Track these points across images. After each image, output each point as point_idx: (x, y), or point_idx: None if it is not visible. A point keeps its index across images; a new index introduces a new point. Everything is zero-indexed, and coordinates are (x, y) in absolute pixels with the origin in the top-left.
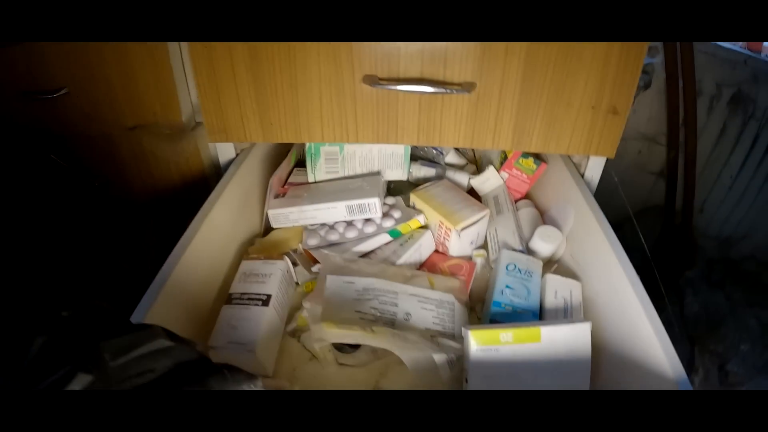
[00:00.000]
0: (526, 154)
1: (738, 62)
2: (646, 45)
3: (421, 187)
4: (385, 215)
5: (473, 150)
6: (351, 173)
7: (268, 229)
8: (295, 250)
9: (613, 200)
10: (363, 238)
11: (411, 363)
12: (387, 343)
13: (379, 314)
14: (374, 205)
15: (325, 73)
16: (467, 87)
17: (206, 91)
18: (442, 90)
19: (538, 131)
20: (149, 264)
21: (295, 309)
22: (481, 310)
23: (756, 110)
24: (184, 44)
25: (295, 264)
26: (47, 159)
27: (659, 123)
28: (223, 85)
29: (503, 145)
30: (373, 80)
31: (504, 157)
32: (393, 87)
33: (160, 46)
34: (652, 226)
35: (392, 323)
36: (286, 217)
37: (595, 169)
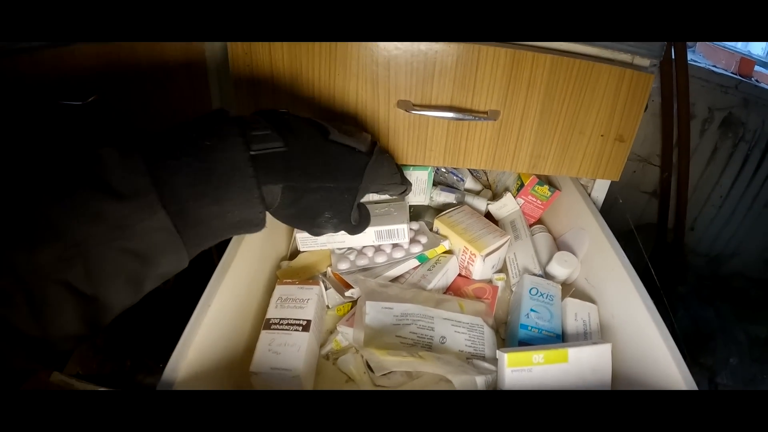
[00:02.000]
0: (541, 182)
1: (730, 87)
2: (652, 78)
3: (444, 213)
4: (412, 241)
5: (487, 175)
6: (376, 197)
7: (293, 252)
8: (324, 274)
9: (608, 217)
10: (391, 263)
11: (460, 384)
12: (436, 367)
13: (417, 338)
14: (403, 231)
15: (362, 96)
16: (493, 115)
17: (245, 107)
18: (471, 117)
19: (552, 156)
20: None
21: (327, 331)
22: (504, 331)
23: (746, 133)
24: (223, 59)
25: (326, 288)
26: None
27: (653, 144)
28: (262, 103)
29: (520, 168)
30: (407, 105)
31: (521, 184)
32: (426, 113)
33: (199, 57)
34: (644, 244)
35: (429, 347)
36: (315, 240)
37: (600, 190)
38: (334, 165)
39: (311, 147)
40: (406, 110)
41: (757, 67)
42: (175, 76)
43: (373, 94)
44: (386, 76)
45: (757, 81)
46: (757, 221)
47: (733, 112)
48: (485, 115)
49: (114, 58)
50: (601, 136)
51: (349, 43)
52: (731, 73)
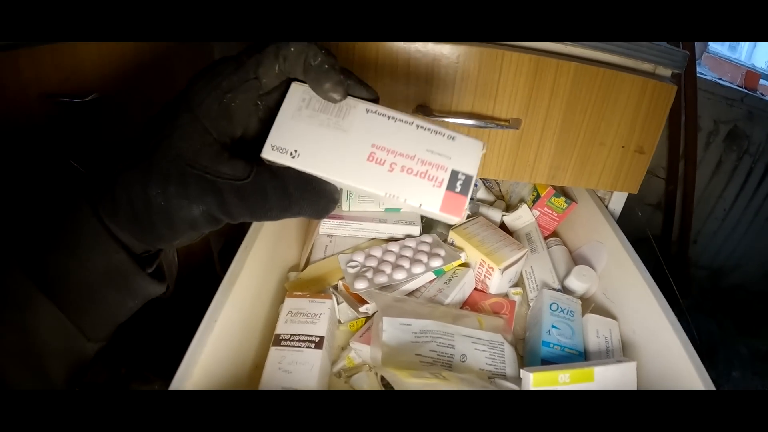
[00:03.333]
0: (557, 193)
1: (735, 100)
2: (675, 90)
3: (459, 224)
4: (431, 254)
5: (499, 185)
6: (387, 204)
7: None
8: (335, 287)
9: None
10: (410, 278)
11: None
12: (459, 389)
13: (437, 356)
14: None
15: (380, 100)
16: (515, 123)
17: None
18: (493, 125)
19: (572, 167)
20: None
21: (339, 348)
22: (522, 348)
23: (750, 146)
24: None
25: (338, 302)
26: (66, 164)
27: (658, 157)
28: None
29: (539, 179)
30: (426, 111)
31: (536, 196)
32: (446, 119)
33: (205, 55)
34: (648, 256)
35: (449, 365)
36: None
37: (617, 202)
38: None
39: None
40: (425, 116)
41: (762, 81)
42: (181, 73)
43: (392, 99)
44: (406, 80)
45: (762, 94)
46: (759, 235)
47: (738, 125)
48: (507, 124)
49: (116, 56)
50: (622, 147)
51: (367, 45)
52: (737, 86)
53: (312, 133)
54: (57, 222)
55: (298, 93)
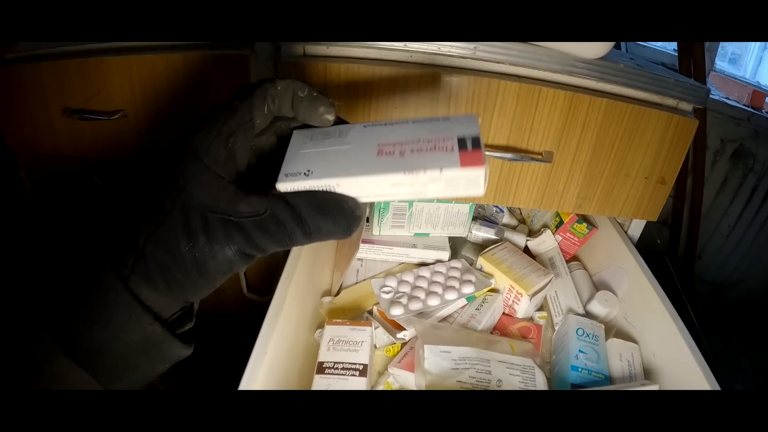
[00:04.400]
0: (580, 220)
1: (742, 119)
2: (696, 124)
3: (487, 250)
4: (462, 281)
5: (521, 210)
6: (416, 229)
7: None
8: (370, 312)
9: None
10: (444, 305)
11: None
12: None
13: (476, 382)
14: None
15: None
16: (548, 156)
17: None
18: (530, 159)
19: (597, 197)
20: None
21: (377, 373)
22: (547, 370)
23: (755, 164)
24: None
25: (374, 327)
26: (89, 181)
27: None
28: None
29: (566, 208)
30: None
31: (559, 221)
32: (486, 153)
33: (242, 70)
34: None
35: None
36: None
37: (636, 229)
38: None
39: None
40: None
41: None
42: (213, 88)
43: None
44: (446, 113)
45: (767, 113)
46: (763, 250)
47: (744, 144)
48: (540, 157)
49: (147, 71)
50: (645, 178)
51: (410, 75)
52: (743, 105)
53: (320, 153)
54: (86, 294)
55: (299, 136)
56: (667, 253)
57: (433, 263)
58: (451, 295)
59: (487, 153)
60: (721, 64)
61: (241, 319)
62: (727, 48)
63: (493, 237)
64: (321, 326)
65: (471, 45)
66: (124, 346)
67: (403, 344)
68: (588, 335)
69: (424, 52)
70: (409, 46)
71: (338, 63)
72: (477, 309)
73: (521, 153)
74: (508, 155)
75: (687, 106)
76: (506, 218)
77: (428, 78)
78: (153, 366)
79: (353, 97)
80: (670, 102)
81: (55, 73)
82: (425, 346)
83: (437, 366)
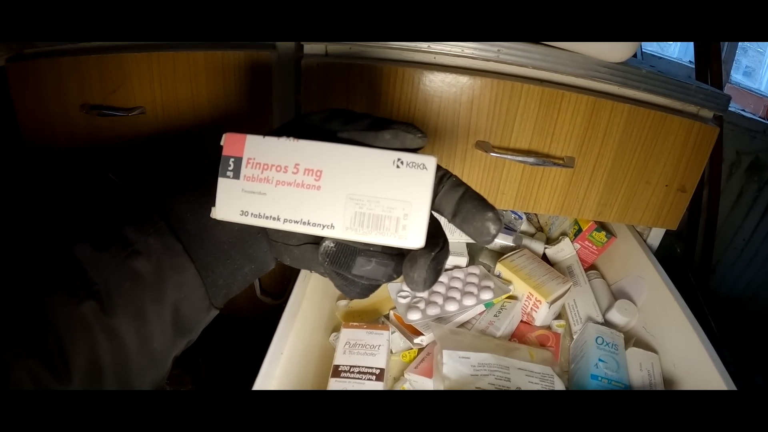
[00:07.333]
0: (599, 228)
1: (758, 132)
2: (717, 131)
3: (506, 256)
4: (480, 287)
5: (538, 217)
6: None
7: None
8: (386, 316)
9: None
10: (462, 310)
11: None
12: None
13: (495, 389)
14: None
15: (440, 133)
16: (569, 162)
17: None
18: (551, 164)
19: (618, 205)
20: None
21: (393, 378)
22: (566, 379)
23: None
24: (289, 78)
25: (391, 332)
26: (105, 177)
27: None
28: None
29: (586, 215)
30: (486, 147)
31: (578, 229)
32: (506, 156)
33: (264, 73)
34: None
35: None
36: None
37: (655, 237)
38: None
39: None
40: (485, 151)
41: None
42: (234, 87)
43: (453, 133)
44: (468, 116)
45: None
46: None
47: (760, 157)
48: (561, 162)
49: (168, 69)
50: (666, 186)
51: (433, 79)
52: (759, 117)
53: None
54: (197, 182)
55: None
56: (683, 265)
57: (451, 269)
58: (469, 301)
59: (509, 157)
60: (736, 76)
61: (253, 323)
62: (742, 61)
63: (511, 244)
64: (336, 330)
65: (494, 48)
66: (224, 234)
67: (420, 350)
68: (608, 344)
69: (447, 54)
70: (433, 47)
71: (361, 63)
72: (495, 315)
73: (543, 158)
74: (530, 159)
75: (708, 113)
76: (524, 226)
77: (451, 80)
78: (242, 264)
79: (375, 98)
80: (692, 109)
81: (74, 68)
82: (444, 351)
83: (456, 372)
